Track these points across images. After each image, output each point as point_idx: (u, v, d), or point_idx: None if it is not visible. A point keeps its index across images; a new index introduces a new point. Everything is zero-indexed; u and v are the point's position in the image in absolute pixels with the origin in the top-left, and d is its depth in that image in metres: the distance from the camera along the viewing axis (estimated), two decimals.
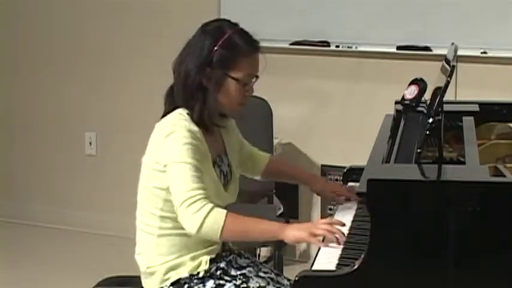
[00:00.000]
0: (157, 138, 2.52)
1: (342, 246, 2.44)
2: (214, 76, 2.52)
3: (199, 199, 2.41)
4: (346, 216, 2.68)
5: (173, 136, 2.47)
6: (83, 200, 5.15)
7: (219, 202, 2.56)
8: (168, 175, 2.47)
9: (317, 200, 4.52)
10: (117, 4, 4.87)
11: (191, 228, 2.42)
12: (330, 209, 4.41)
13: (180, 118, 2.52)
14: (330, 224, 2.48)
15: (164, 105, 2.61)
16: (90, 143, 5.11)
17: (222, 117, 2.65)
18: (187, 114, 2.53)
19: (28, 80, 5.19)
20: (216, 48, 2.51)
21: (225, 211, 2.44)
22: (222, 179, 2.63)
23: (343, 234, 2.47)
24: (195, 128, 2.50)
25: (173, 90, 2.59)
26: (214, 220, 2.41)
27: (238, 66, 2.53)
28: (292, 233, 2.44)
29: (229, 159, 2.69)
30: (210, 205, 2.42)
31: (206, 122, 2.54)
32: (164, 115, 2.58)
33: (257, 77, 2.60)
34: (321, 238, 2.48)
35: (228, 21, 2.61)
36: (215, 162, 2.61)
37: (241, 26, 2.61)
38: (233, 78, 2.53)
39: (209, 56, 2.51)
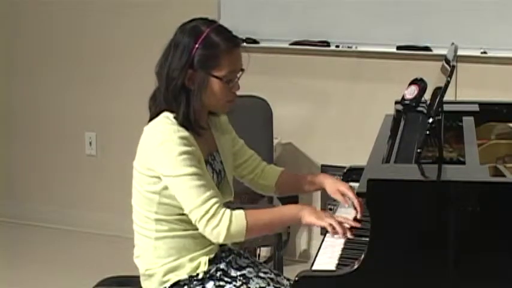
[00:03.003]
0: (149, 146, 2.50)
1: (347, 236, 2.49)
2: (197, 77, 2.49)
3: (215, 210, 2.43)
4: (346, 216, 2.68)
5: (166, 146, 2.44)
6: (83, 200, 5.15)
7: None
8: (172, 189, 2.46)
9: (317, 200, 4.52)
10: (117, 4, 4.87)
11: (217, 240, 2.46)
12: (330, 209, 4.41)
13: (167, 123, 2.49)
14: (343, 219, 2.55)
15: (149, 109, 2.58)
16: (90, 143, 5.11)
17: (211, 114, 2.64)
18: (174, 118, 2.50)
19: (28, 80, 5.19)
20: (195, 48, 2.47)
21: (243, 212, 2.46)
22: (215, 178, 2.63)
23: (353, 227, 2.53)
24: (185, 132, 2.48)
25: (156, 94, 2.57)
26: (237, 226, 2.44)
27: (220, 65, 2.49)
28: (307, 213, 2.51)
29: (221, 156, 2.68)
30: (228, 213, 2.44)
31: (192, 124, 2.51)
32: (151, 119, 2.56)
33: (242, 70, 2.55)
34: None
35: (206, 19, 2.57)
36: (207, 161, 2.59)
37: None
38: (216, 77, 2.49)
39: (190, 58, 2.48)
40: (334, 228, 2.50)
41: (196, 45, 2.48)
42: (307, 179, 2.84)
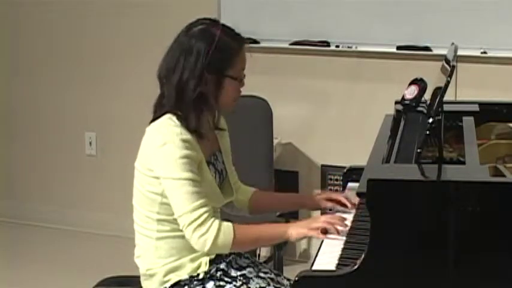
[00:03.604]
0: (150, 147, 2.50)
1: (344, 238, 2.49)
2: (212, 80, 2.49)
3: (205, 219, 2.44)
4: (346, 216, 2.68)
5: (167, 148, 2.45)
6: (83, 200, 5.15)
7: (215, 203, 2.56)
8: (167, 190, 2.47)
9: None
10: (117, 4, 4.87)
11: (202, 248, 2.47)
12: (330, 209, 4.40)
13: (171, 125, 2.49)
14: (330, 217, 2.57)
15: (153, 113, 2.58)
16: (90, 143, 5.11)
17: None
18: (177, 119, 2.50)
19: (28, 80, 5.19)
20: (210, 53, 2.48)
21: (231, 225, 2.47)
22: (217, 178, 2.63)
23: (345, 224, 2.55)
24: (187, 135, 2.48)
25: (163, 99, 2.56)
26: (224, 238, 2.45)
27: (233, 65, 2.52)
28: (295, 231, 2.51)
29: (223, 156, 2.69)
30: (217, 223, 2.45)
31: (200, 128, 2.51)
32: (154, 119, 2.56)
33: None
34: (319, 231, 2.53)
35: (209, 19, 2.59)
36: (209, 162, 2.60)
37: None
38: (231, 77, 2.52)
39: (205, 63, 2.48)
40: (325, 231, 2.51)
41: (211, 50, 2.48)
42: (283, 199, 2.90)
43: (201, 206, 2.44)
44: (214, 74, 2.50)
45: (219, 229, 2.44)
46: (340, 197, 2.80)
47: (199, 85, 2.48)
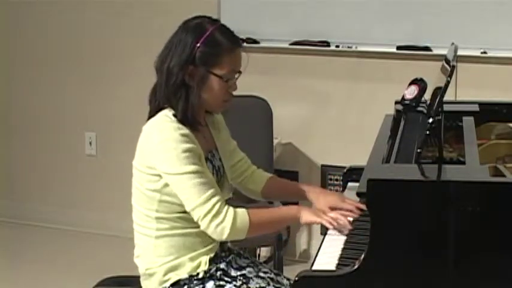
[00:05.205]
0: (148, 143, 2.50)
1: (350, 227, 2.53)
2: (197, 74, 2.50)
3: (219, 208, 2.45)
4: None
5: (167, 143, 2.45)
6: (83, 200, 5.15)
7: None
8: (174, 187, 2.47)
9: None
10: (118, 4, 4.87)
11: (220, 237, 2.48)
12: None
13: (167, 121, 2.50)
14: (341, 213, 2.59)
15: (149, 104, 2.60)
16: (90, 143, 5.11)
17: (207, 112, 2.65)
18: (173, 115, 2.51)
19: (28, 80, 5.19)
20: (198, 45, 2.49)
21: (245, 211, 2.49)
22: (214, 175, 2.63)
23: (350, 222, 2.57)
24: (184, 130, 2.48)
25: (157, 89, 2.58)
26: (241, 223, 2.47)
27: (221, 63, 2.51)
28: (305, 215, 2.56)
29: (220, 154, 2.69)
30: (232, 210, 2.46)
31: (190, 120, 2.52)
32: (150, 116, 2.57)
33: (240, 72, 2.57)
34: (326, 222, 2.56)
35: (209, 17, 2.59)
36: (207, 158, 2.61)
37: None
38: (216, 75, 2.51)
39: (191, 54, 2.49)
40: (334, 221, 2.53)
41: (199, 43, 2.49)
42: (296, 191, 2.83)
43: (212, 196, 2.45)
44: (199, 68, 2.50)
45: (235, 216, 2.46)
46: (350, 206, 2.70)
47: (182, 73, 2.49)
